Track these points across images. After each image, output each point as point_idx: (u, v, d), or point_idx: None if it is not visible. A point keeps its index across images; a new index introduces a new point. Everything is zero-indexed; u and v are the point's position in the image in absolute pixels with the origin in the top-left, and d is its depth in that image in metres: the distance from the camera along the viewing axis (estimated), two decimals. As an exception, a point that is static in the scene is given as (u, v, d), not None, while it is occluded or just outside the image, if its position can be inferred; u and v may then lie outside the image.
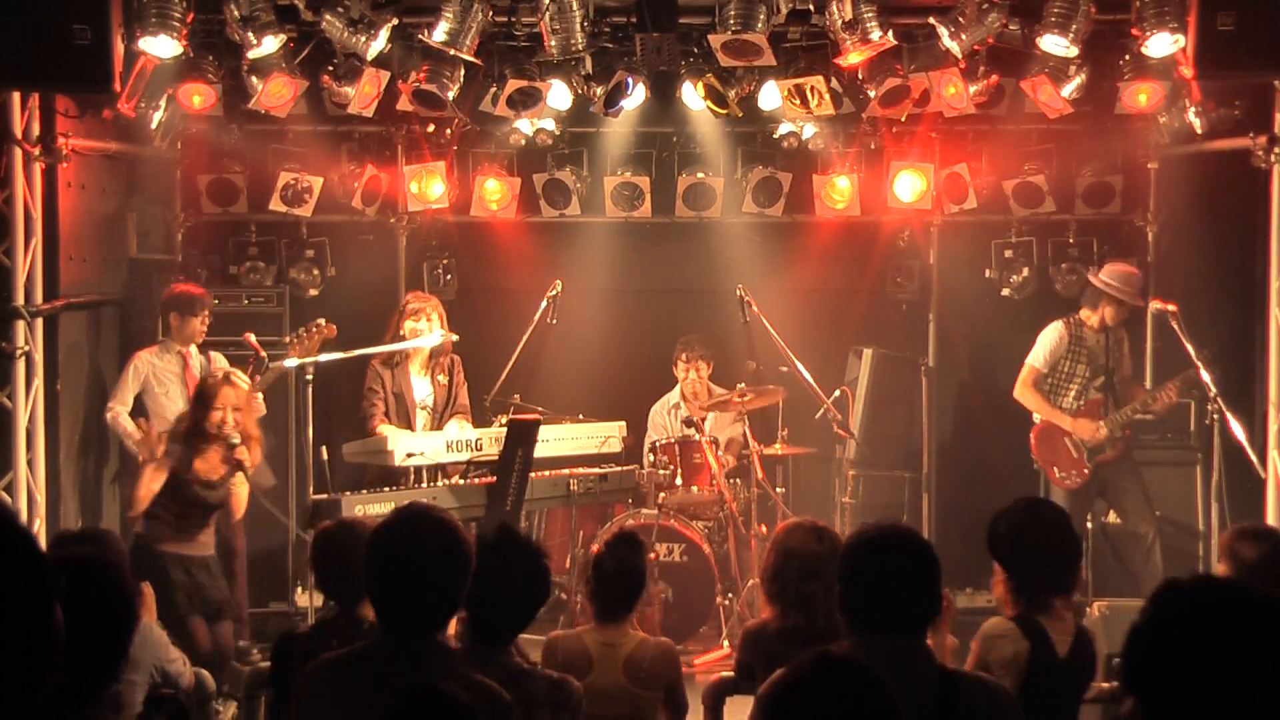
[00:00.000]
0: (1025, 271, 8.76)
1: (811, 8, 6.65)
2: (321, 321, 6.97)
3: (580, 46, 6.72)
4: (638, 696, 4.26)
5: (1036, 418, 7.58)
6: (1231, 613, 1.99)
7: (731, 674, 4.39)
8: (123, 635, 3.06)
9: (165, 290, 7.73)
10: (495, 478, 6.73)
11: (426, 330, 7.25)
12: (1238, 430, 6.80)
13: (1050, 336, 7.49)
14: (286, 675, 4.01)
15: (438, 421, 7.37)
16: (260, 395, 7.13)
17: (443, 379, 7.41)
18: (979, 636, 3.84)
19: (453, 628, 5.07)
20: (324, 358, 6.68)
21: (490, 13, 6.69)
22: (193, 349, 7.50)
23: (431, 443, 6.88)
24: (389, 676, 2.87)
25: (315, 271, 8.74)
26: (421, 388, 7.41)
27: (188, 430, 6.43)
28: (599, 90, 7.37)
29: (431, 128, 8.38)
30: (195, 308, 7.46)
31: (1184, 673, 1.97)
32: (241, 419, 6.41)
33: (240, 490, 6.49)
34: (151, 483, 6.31)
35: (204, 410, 6.40)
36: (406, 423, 7.30)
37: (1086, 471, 7.42)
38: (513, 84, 7.20)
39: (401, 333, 7.29)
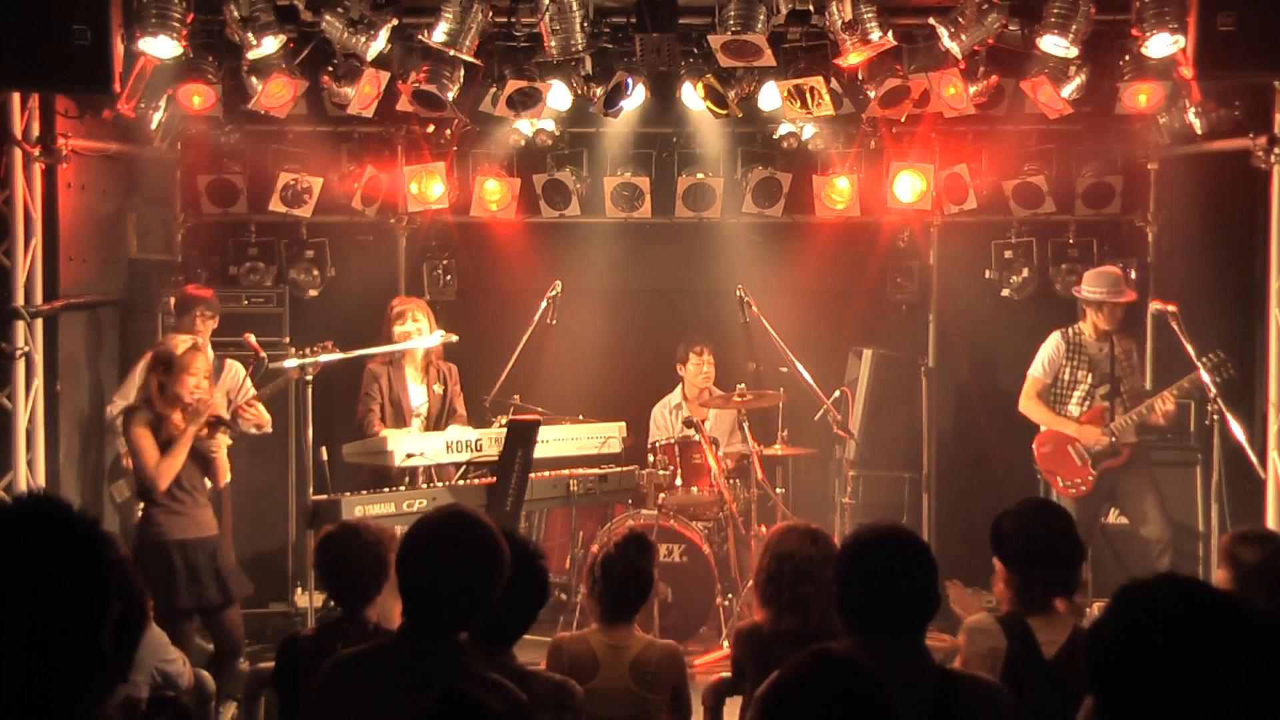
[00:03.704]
0: (1025, 272, 8.75)
1: (811, 8, 6.65)
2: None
3: (580, 47, 6.72)
4: (643, 699, 4.24)
5: (1042, 426, 7.48)
6: (1189, 613, 1.98)
7: (730, 674, 4.38)
8: (132, 637, 3.06)
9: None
10: (495, 478, 6.73)
11: (417, 333, 7.22)
12: (1238, 431, 6.78)
13: (1048, 346, 7.44)
14: (290, 678, 4.01)
15: (433, 429, 7.29)
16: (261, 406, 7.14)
17: (438, 389, 7.38)
18: (963, 629, 3.87)
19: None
20: (324, 358, 6.67)
21: (490, 13, 6.69)
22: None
23: (431, 443, 6.87)
24: (409, 675, 2.88)
25: (315, 272, 8.74)
26: (418, 394, 7.37)
27: (156, 397, 6.16)
28: (599, 91, 7.37)
29: (431, 128, 8.38)
30: (184, 308, 7.44)
31: (1141, 673, 1.97)
32: (207, 389, 6.27)
33: (223, 454, 6.33)
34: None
35: (178, 376, 6.16)
36: (403, 427, 7.27)
37: (1092, 479, 7.32)
38: (512, 84, 7.20)
39: (393, 340, 7.22)
